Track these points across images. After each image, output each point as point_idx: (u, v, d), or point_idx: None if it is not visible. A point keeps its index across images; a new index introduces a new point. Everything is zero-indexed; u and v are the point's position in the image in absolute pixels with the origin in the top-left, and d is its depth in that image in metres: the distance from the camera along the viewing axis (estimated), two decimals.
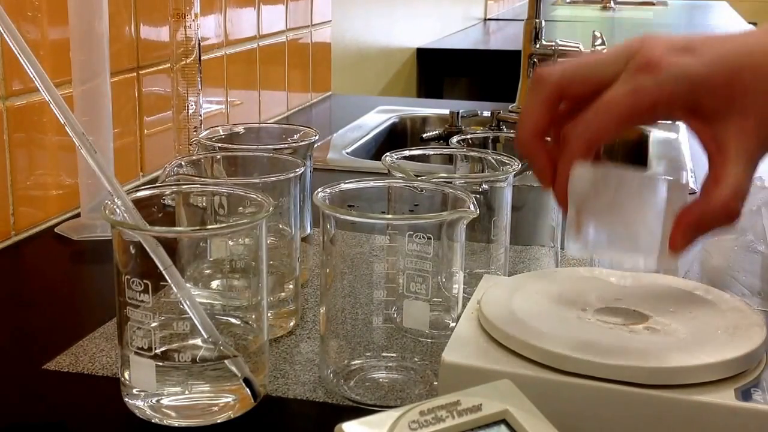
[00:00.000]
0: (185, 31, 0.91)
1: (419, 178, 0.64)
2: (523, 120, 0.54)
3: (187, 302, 0.53)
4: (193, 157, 0.69)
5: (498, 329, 0.52)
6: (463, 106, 1.63)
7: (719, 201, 0.50)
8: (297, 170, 0.65)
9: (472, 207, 0.56)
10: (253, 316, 0.57)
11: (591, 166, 0.52)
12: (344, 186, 0.60)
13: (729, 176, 0.50)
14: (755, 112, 0.50)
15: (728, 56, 0.51)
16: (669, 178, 0.52)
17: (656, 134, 1.43)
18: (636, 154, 1.44)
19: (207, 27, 1.22)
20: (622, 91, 0.51)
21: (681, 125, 1.49)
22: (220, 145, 0.72)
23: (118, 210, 0.54)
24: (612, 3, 4.13)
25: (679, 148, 1.34)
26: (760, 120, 0.50)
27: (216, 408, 0.55)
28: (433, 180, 0.63)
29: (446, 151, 0.75)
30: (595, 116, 0.51)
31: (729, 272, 0.70)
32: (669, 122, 0.55)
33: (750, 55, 0.51)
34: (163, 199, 0.60)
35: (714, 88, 0.50)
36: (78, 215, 0.92)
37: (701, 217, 0.51)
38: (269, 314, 0.60)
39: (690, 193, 0.53)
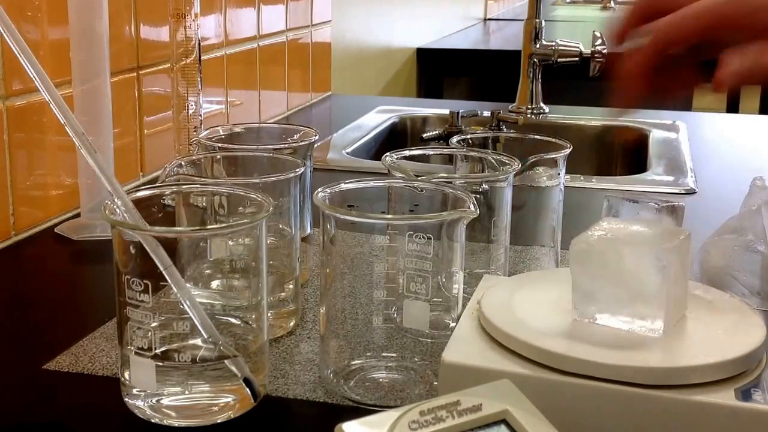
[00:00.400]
0: (185, 31, 0.91)
1: (419, 178, 0.64)
2: (615, 19, 0.61)
3: (187, 302, 0.53)
4: (193, 157, 0.69)
5: (498, 329, 0.52)
6: (463, 106, 1.63)
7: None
8: (297, 170, 0.65)
9: (472, 207, 0.56)
10: (253, 316, 0.57)
11: (594, 241, 0.53)
12: (344, 186, 0.60)
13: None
14: None
15: None
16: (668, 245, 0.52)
17: (656, 134, 1.43)
18: (636, 154, 1.44)
19: (207, 27, 1.22)
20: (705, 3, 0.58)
21: (681, 126, 1.49)
22: (220, 145, 0.72)
23: (118, 210, 0.54)
24: (612, 3, 4.13)
25: (679, 147, 1.34)
26: None
27: (216, 408, 0.55)
28: (433, 180, 0.63)
29: (446, 151, 0.75)
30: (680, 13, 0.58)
31: (729, 272, 0.70)
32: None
33: None
34: (163, 199, 0.60)
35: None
36: (78, 215, 0.92)
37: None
38: (269, 314, 0.60)
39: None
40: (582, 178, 1.16)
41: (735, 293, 0.68)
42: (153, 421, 0.54)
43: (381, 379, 0.58)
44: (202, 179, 0.66)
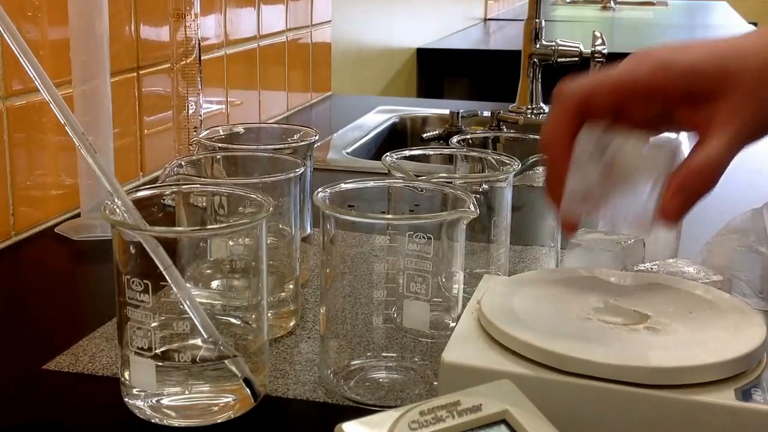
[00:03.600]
0: (185, 31, 0.91)
1: (419, 178, 0.64)
2: (549, 123, 0.57)
3: (187, 302, 0.53)
4: (193, 157, 0.69)
5: (498, 329, 0.52)
6: (463, 106, 1.63)
7: (695, 165, 0.54)
8: (297, 170, 0.65)
9: (472, 207, 0.56)
10: (253, 316, 0.57)
11: (596, 131, 0.54)
12: (344, 186, 0.60)
13: (709, 146, 0.54)
14: (740, 91, 0.54)
15: (716, 49, 0.55)
16: (670, 143, 0.54)
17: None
18: None
19: (207, 27, 1.22)
20: (622, 66, 0.56)
21: None
22: (220, 145, 0.72)
23: (118, 210, 0.54)
24: (612, 3, 4.13)
25: (680, 147, 1.34)
26: (744, 100, 0.54)
27: (216, 408, 0.55)
28: (433, 180, 0.63)
29: (446, 151, 0.75)
30: (592, 78, 0.56)
31: (730, 272, 0.70)
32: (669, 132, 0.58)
33: (736, 47, 0.55)
34: (163, 199, 0.60)
35: (703, 74, 0.54)
36: (78, 215, 0.92)
37: (683, 181, 0.54)
38: (269, 314, 0.60)
39: None
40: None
41: (735, 293, 0.68)
42: (153, 421, 0.54)
43: (381, 379, 0.58)
44: (202, 179, 0.66)
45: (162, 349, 0.54)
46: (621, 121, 0.57)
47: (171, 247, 0.53)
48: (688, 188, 0.54)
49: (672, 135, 0.59)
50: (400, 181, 0.64)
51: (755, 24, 3.41)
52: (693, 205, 0.54)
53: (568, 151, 0.56)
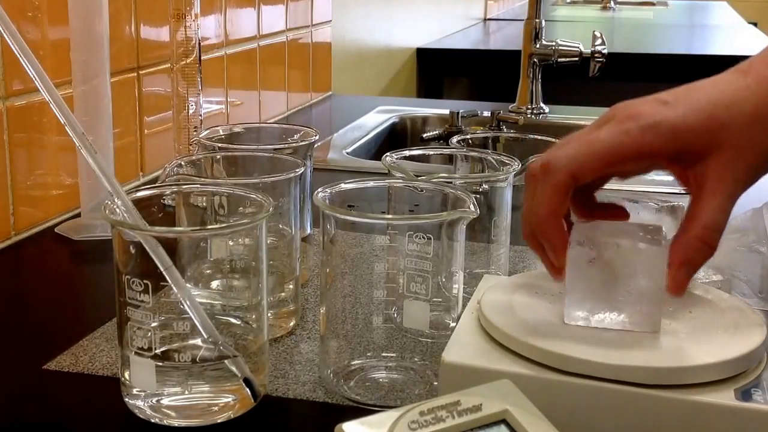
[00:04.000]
0: (185, 31, 0.91)
1: (419, 178, 0.64)
2: (538, 204, 0.54)
3: (187, 302, 0.53)
4: (193, 157, 0.69)
5: (498, 329, 0.52)
6: (463, 106, 1.63)
7: (694, 235, 0.52)
8: (297, 170, 0.65)
9: (472, 207, 0.56)
10: (253, 316, 0.57)
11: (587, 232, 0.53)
12: (344, 186, 0.60)
13: (705, 212, 0.52)
14: (731, 146, 0.52)
15: (701, 103, 0.53)
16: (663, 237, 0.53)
17: None
18: None
19: (207, 27, 1.22)
20: (608, 131, 0.53)
21: None
22: (220, 145, 0.72)
23: (118, 210, 0.54)
24: (612, 3, 4.13)
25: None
26: (736, 154, 0.52)
27: (216, 408, 0.55)
28: (433, 180, 0.63)
29: (446, 151, 0.75)
30: (579, 148, 0.53)
31: (729, 272, 0.70)
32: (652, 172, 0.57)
33: (726, 94, 0.53)
34: (163, 199, 0.60)
35: (692, 132, 0.52)
36: (78, 215, 0.92)
37: (686, 253, 0.53)
38: (269, 314, 0.60)
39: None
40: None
41: (736, 293, 0.68)
42: (153, 421, 0.54)
43: (381, 379, 0.58)
44: (202, 179, 0.66)
45: (162, 349, 0.54)
46: (606, 180, 0.56)
47: (171, 247, 0.53)
48: (692, 260, 0.53)
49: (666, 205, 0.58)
50: (400, 181, 0.64)
51: (755, 24, 3.41)
52: (697, 270, 0.53)
53: (565, 230, 0.54)
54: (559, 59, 1.49)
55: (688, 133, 0.52)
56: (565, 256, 0.53)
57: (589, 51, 1.44)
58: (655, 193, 1.07)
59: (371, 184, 0.62)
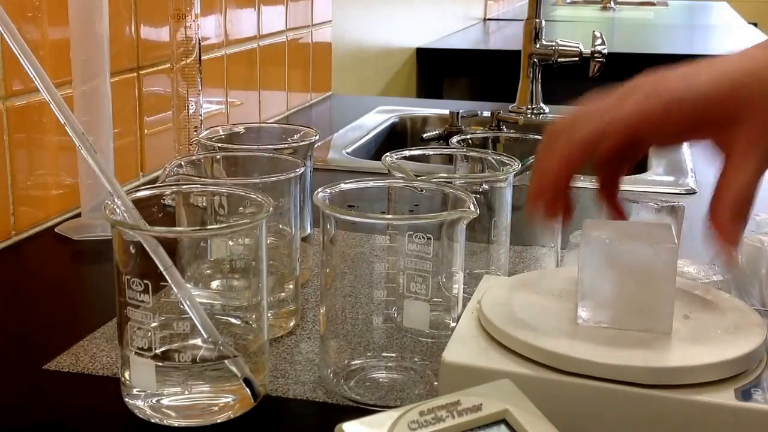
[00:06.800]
0: (185, 31, 0.91)
1: (419, 178, 0.64)
2: (557, 151, 0.54)
3: (187, 302, 0.53)
4: (193, 157, 0.69)
5: (498, 329, 0.52)
6: (463, 106, 1.63)
7: (737, 186, 0.52)
8: (297, 170, 0.65)
9: (472, 207, 0.56)
10: (253, 316, 0.57)
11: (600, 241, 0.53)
12: (344, 186, 0.60)
13: (740, 171, 0.52)
14: (760, 117, 0.51)
15: (728, 71, 0.52)
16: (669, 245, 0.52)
17: None
18: None
19: (207, 27, 1.22)
20: (630, 104, 0.53)
21: None
22: (220, 145, 0.72)
23: (118, 210, 0.54)
24: (612, 3, 4.13)
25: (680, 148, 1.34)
26: (765, 123, 0.51)
27: (216, 408, 0.55)
28: (433, 180, 0.63)
29: (446, 151, 0.75)
30: (600, 118, 0.53)
31: (729, 272, 0.70)
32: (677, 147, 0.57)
33: (749, 68, 0.52)
34: (163, 199, 0.60)
35: (718, 101, 0.52)
36: (78, 215, 0.92)
37: (734, 203, 0.52)
38: (269, 314, 0.60)
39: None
40: (582, 178, 1.16)
41: (736, 293, 0.68)
42: (153, 421, 0.54)
43: (381, 379, 0.58)
44: (202, 179, 0.66)
45: (162, 349, 0.54)
46: (630, 156, 0.56)
47: (171, 247, 0.53)
48: (739, 210, 0.52)
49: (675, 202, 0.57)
50: (400, 181, 0.64)
51: (755, 24, 3.41)
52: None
53: (568, 191, 0.55)
54: (559, 59, 1.49)
55: (715, 106, 0.52)
56: (559, 200, 0.55)
57: (589, 51, 1.44)
58: (655, 193, 1.07)
59: (371, 184, 0.62)
